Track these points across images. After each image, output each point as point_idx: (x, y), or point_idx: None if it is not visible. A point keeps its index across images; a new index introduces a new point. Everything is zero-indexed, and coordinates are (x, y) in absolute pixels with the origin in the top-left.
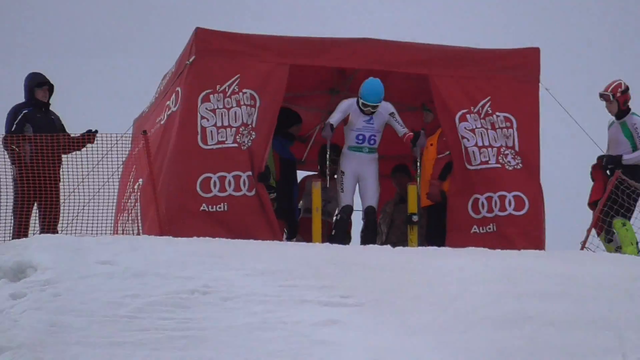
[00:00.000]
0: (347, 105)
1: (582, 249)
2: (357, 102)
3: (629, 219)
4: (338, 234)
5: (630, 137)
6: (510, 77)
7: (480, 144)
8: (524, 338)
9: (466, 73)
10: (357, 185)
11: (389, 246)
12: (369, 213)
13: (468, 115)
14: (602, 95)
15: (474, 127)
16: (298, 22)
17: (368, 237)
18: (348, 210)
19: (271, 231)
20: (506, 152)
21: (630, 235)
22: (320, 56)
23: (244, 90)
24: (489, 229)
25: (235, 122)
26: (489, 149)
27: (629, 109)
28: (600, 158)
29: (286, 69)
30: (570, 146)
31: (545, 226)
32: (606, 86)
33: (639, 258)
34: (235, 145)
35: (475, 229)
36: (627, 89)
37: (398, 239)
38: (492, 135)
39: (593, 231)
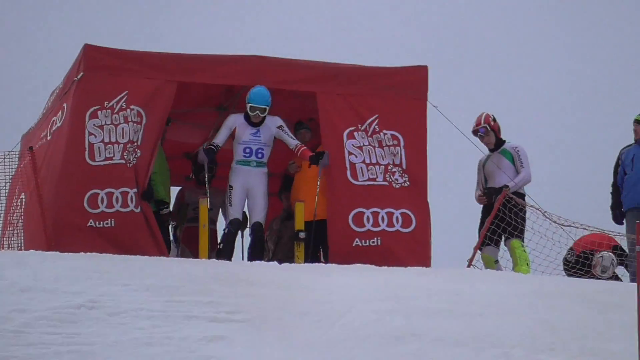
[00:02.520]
0: (232, 120)
1: (468, 266)
2: (244, 115)
3: (523, 240)
4: (226, 247)
5: (513, 161)
6: (398, 95)
7: (367, 161)
8: (410, 355)
9: (353, 91)
10: (246, 199)
11: (275, 263)
12: (256, 229)
13: (355, 133)
14: (477, 131)
15: (361, 144)
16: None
17: (255, 253)
18: (236, 223)
19: (157, 247)
20: (393, 169)
21: (526, 257)
22: (207, 73)
23: (132, 107)
24: (373, 242)
25: (123, 138)
26: (376, 166)
27: (502, 139)
28: (486, 192)
29: (174, 86)
30: (458, 163)
31: (431, 244)
32: (476, 122)
33: (525, 276)
34: (123, 161)
35: (357, 241)
36: (495, 117)
37: (285, 256)
38: (379, 153)
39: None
